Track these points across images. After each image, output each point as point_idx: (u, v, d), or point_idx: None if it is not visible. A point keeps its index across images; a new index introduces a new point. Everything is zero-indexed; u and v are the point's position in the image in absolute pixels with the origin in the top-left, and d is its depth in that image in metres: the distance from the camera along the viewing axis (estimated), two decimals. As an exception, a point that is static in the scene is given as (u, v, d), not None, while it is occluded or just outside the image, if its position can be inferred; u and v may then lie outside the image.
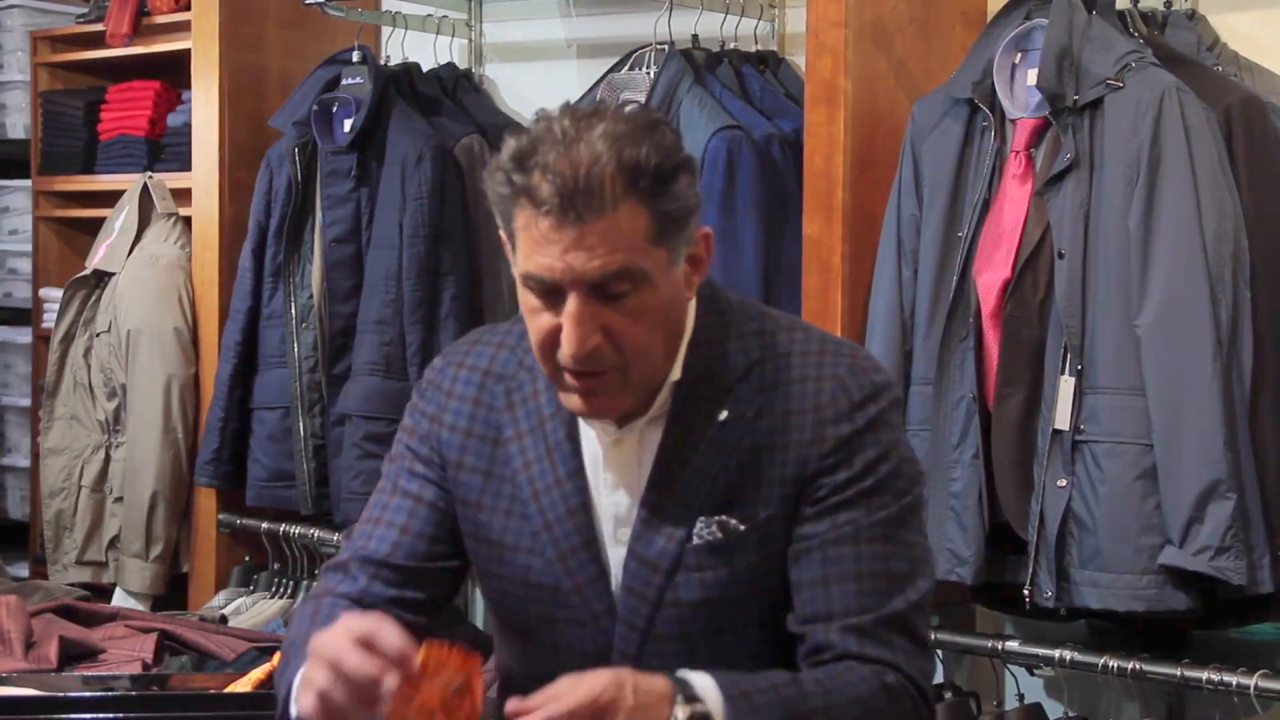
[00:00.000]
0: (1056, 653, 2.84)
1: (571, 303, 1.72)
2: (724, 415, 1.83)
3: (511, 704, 1.62)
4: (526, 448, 1.89)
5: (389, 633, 1.62)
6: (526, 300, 1.78)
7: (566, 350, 1.74)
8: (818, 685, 1.75)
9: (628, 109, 1.77)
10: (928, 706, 1.82)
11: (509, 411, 1.91)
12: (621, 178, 1.70)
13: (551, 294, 1.74)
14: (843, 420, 1.82)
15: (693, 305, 1.86)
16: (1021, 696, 3.04)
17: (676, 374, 1.84)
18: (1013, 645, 2.92)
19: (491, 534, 1.90)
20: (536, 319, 1.77)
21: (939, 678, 3.25)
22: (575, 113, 1.74)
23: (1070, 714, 2.96)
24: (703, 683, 1.70)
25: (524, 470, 1.89)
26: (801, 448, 1.81)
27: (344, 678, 1.60)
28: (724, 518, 1.82)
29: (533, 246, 1.72)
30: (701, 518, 1.82)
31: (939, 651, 3.18)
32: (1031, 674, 3.10)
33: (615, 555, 1.86)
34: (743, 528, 1.82)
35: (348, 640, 1.61)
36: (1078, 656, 2.82)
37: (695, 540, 1.82)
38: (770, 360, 1.85)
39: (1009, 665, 3.04)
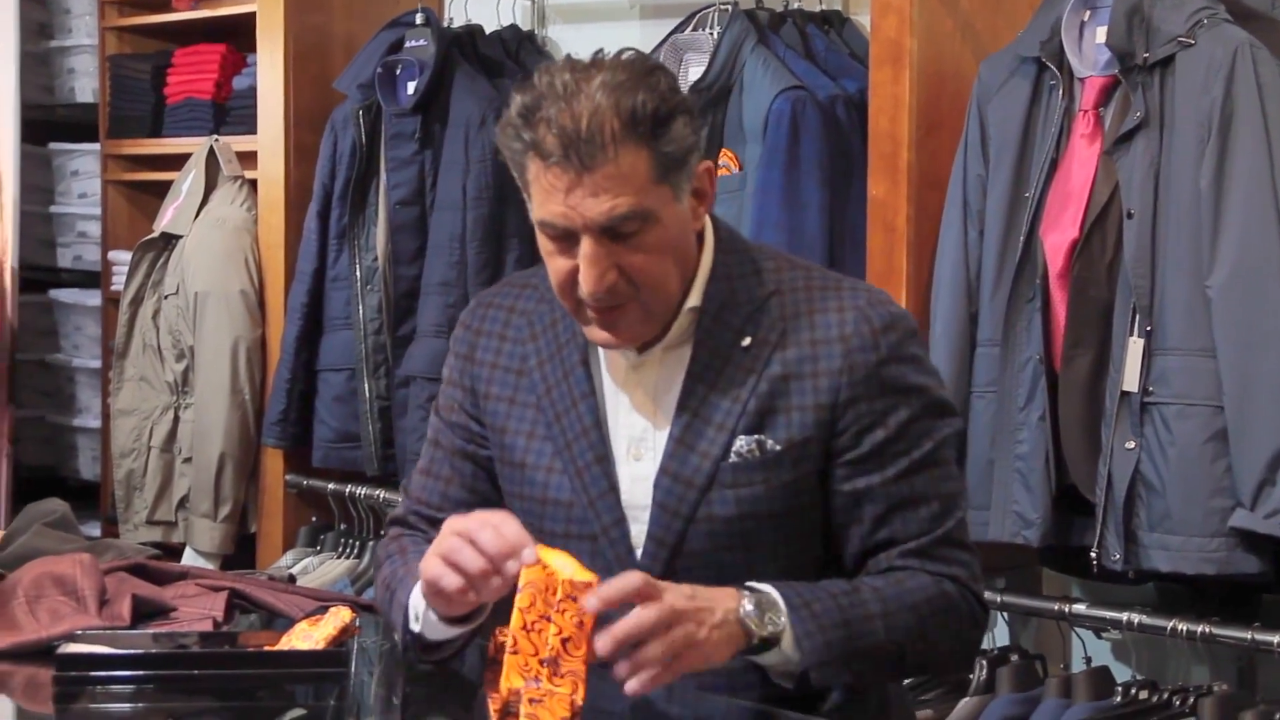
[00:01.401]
0: (1124, 616, 2.83)
1: (585, 245, 1.83)
2: (747, 341, 1.93)
3: (602, 642, 1.69)
4: (547, 374, 2.00)
5: (515, 524, 1.76)
6: (544, 245, 1.89)
7: (585, 289, 1.85)
8: (875, 593, 1.85)
9: (625, 56, 1.87)
10: (984, 610, 1.96)
11: (532, 342, 2.03)
12: (620, 125, 1.80)
13: (566, 238, 1.85)
14: (868, 349, 1.90)
15: (710, 242, 1.97)
16: (1088, 660, 3.02)
17: (695, 301, 1.94)
18: (1080, 608, 2.90)
19: (515, 456, 2.01)
20: (554, 262, 1.88)
21: (1004, 640, 3.24)
22: (575, 66, 1.85)
23: (1138, 678, 2.94)
24: (766, 588, 1.81)
25: (545, 395, 1.99)
26: (832, 375, 1.90)
27: (477, 548, 1.74)
28: (760, 437, 1.90)
29: (544, 195, 1.84)
30: (741, 437, 1.90)
31: (1004, 614, 3.17)
32: (1099, 637, 3.08)
33: (626, 472, 1.95)
34: (779, 448, 1.90)
35: (480, 520, 1.76)
36: (1146, 620, 2.80)
37: (732, 458, 1.90)
38: (787, 293, 1.95)
39: (1076, 628, 3.03)
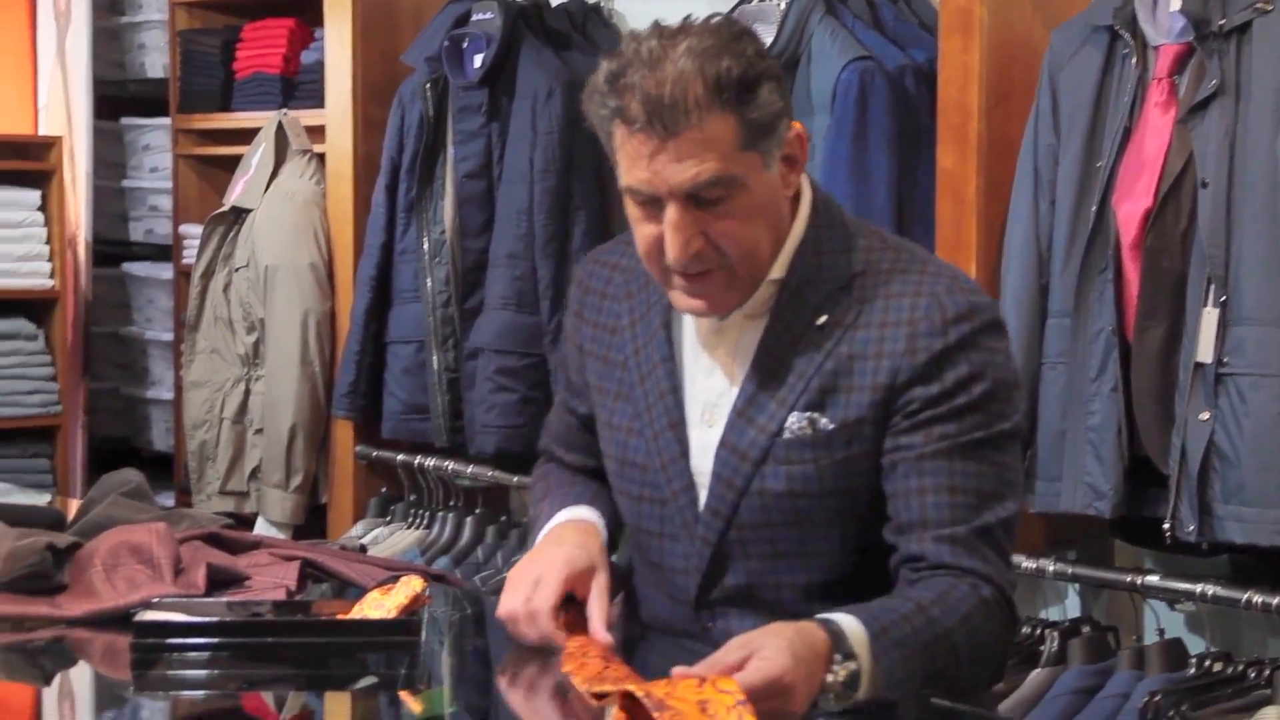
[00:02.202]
0: (1198, 587, 2.80)
1: (670, 211, 1.83)
2: (823, 320, 1.91)
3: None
4: (637, 335, 2.02)
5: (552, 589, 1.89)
6: (631, 211, 1.89)
7: (670, 256, 1.85)
8: (935, 607, 1.80)
9: (712, 21, 1.86)
10: (1014, 618, 1.89)
11: (626, 300, 2.05)
12: (705, 91, 1.79)
13: (652, 204, 1.85)
14: (935, 334, 1.87)
15: (805, 211, 1.94)
16: (1161, 631, 3.00)
17: (779, 273, 1.92)
18: (1153, 580, 2.88)
19: (605, 416, 2.04)
20: (641, 228, 1.88)
21: (1076, 611, 3.22)
22: (662, 31, 1.84)
23: (1212, 650, 2.91)
24: (850, 627, 1.73)
25: (633, 355, 2.01)
26: (894, 358, 1.87)
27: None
28: (814, 415, 1.89)
29: (630, 162, 1.84)
30: (794, 413, 1.89)
31: (1075, 585, 3.15)
32: (1172, 609, 3.05)
33: (698, 437, 1.96)
34: (832, 426, 1.88)
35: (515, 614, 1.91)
36: (1220, 591, 2.78)
37: (786, 434, 1.89)
38: (872, 275, 1.92)
39: (1149, 600, 3.01)
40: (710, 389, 1.95)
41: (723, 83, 1.79)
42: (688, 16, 1.88)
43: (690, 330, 1.98)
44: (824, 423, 1.88)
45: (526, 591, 1.90)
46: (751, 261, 1.88)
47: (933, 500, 1.85)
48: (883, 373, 1.87)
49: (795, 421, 1.89)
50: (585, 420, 2.12)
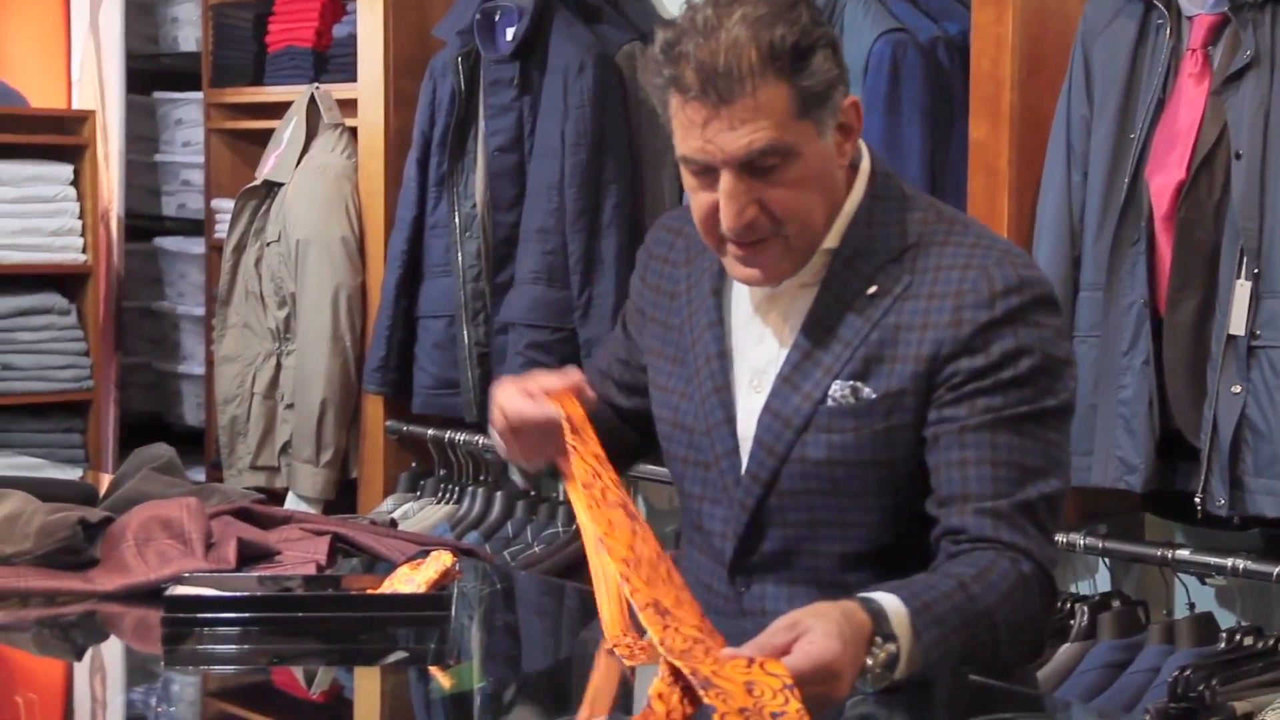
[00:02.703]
0: (1229, 561, 2.79)
1: (724, 180, 1.83)
2: (873, 290, 1.90)
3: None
4: (692, 299, 2.03)
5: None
6: (687, 180, 1.90)
7: (725, 224, 1.86)
8: (976, 584, 1.77)
9: None
10: (1054, 594, 1.89)
11: (685, 266, 2.06)
12: (759, 59, 1.79)
13: (706, 173, 1.85)
14: (981, 307, 1.85)
15: (862, 182, 1.94)
16: (1192, 605, 2.99)
17: (833, 242, 1.92)
18: (1183, 554, 2.87)
19: (659, 378, 2.06)
20: (697, 198, 1.88)
21: (1106, 586, 3.21)
22: (718, 1, 1.83)
23: (1242, 624, 2.90)
24: (892, 606, 1.70)
25: (687, 321, 2.02)
26: (940, 329, 1.86)
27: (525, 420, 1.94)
28: (857, 384, 1.89)
29: (685, 130, 1.84)
30: (838, 381, 1.89)
31: (1106, 559, 3.14)
32: (1203, 583, 3.04)
33: (745, 403, 1.96)
34: (874, 396, 1.88)
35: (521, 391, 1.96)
36: (1251, 566, 2.77)
37: (829, 402, 1.89)
38: (925, 246, 1.91)
39: (1179, 574, 3.00)
40: (760, 355, 1.96)
41: (776, 50, 1.80)
42: None
43: (743, 297, 1.99)
44: (866, 392, 1.88)
45: (516, 389, 1.98)
46: (806, 230, 1.88)
47: (974, 473, 1.83)
48: (927, 344, 1.86)
49: (838, 389, 1.89)
50: (624, 378, 2.16)
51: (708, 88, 1.79)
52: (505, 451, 2.03)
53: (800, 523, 1.91)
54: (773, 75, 1.80)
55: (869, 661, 1.66)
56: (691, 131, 1.83)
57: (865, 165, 1.96)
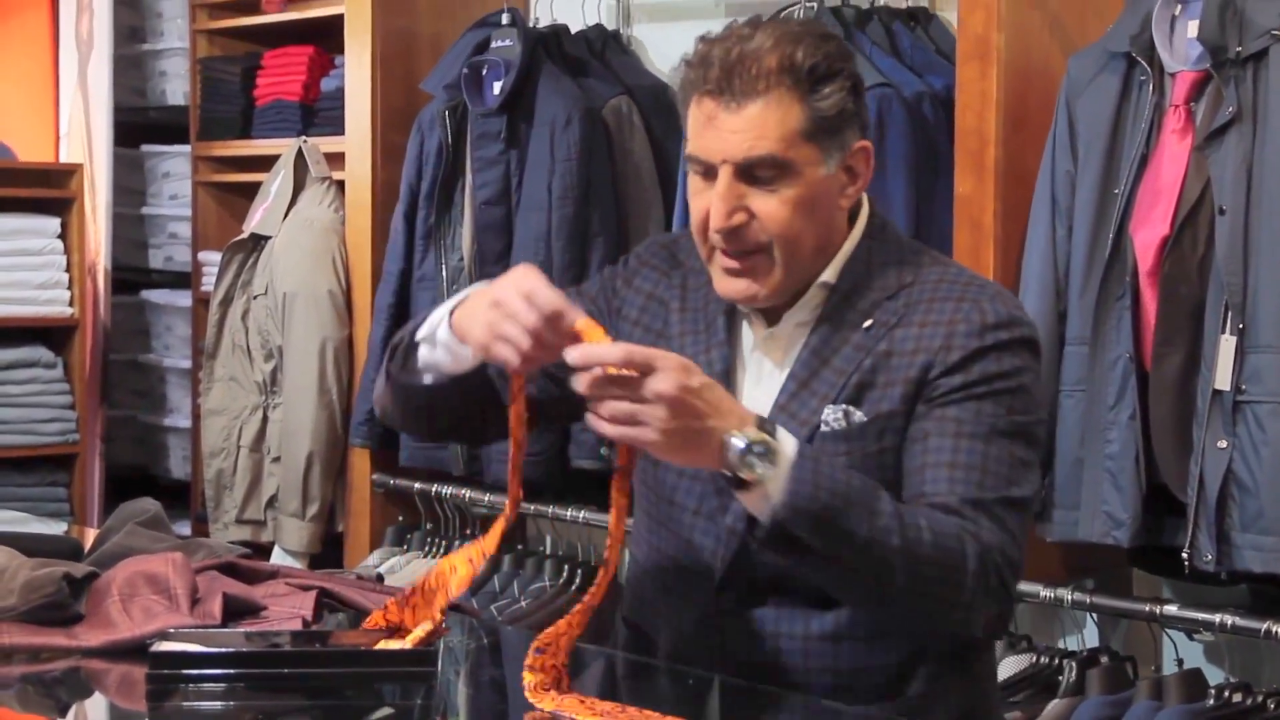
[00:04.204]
0: (1217, 617, 2.79)
1: (720, 180, 1.89)
2: (869, 324, 1.94)
3: (574, 354, 1.74)
4: (686, 320, 2.05)
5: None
6: (691, 184, 1.95)
7: (712, 224, 1.90)
8: (891, 503, 1.80)
9: (807, 18, 1.89)
10: (1002, 587, 1.83)
11: (680, 289, 2.08)
12: (777, 68, 1.86)
13: (709, 174, 1.90)
14: (972, 335, 1.91)
15: (862, 224, 2.00)
16: (1180, 662, 2.99)
17: (830, 277, 1.96)
18: (1171, 609, 2.87)
19: None
20: (697, 201, 1.93)
21: (1094, 641, 3.20)
22: (756, 19, 1.94)
23: (1231, 680, 2.90)
24: (783, 433, 1.78)
25: (679, 338, 2.04)
26: (929, 353, 1.91)
27: (536, 309, 1.79)
28: (849, 408, 1.92)
29: (697, 128, 1.91)
30: (829, 406, 1.92)
31: (1093, 615, 3.14)
32: (1191, 639, 3.04)
33: None
34: (865, 419, 1.91)
35: (525, 283, 1.81)
36: (1239, 621, 2.77)
37: (823, 427, 1.92)
38: (920, 285, 1.96)
39: (1167, 629, 2.99)
40: (758, 395, 1.98)
41: (795, 65, 1.86)
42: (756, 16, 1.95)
43: (746, 335, 2.02)
44: (858, 416, 1.91)
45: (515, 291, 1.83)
46: (791, 253, 1.91)
47: (930, 475, 1.87)
48: (916, 367, 1.91)
49: (831, 414, 1.92)
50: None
51: (723, 84, 1.86)
52: (507, 340, 1.83)
53: (795, 541, 1.90)
54: (787, 88, 1.86)
55: (735, 436, 1.73)
56: (702, 128, 1.89)
57: (865, 211, 2.01)
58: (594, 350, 1.73)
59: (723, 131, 1.87)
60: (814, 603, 1.93)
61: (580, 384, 1.73)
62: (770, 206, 1.88)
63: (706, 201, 1.90)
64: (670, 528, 2.04)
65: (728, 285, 1.95)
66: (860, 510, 1.78)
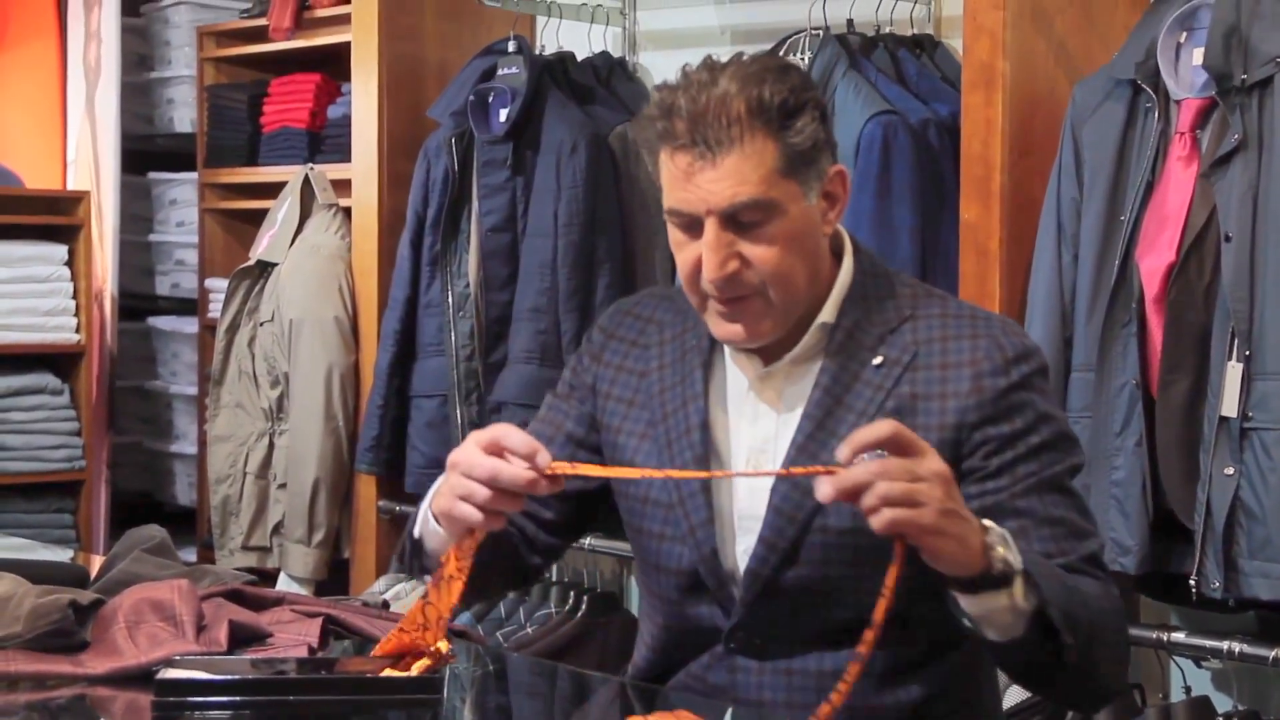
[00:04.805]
0: (1225, 644, 2.78)
1: (708, 231, 1.86)
2: (879, 360, 1.93)
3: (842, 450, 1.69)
4: (665, 376, 2.03)
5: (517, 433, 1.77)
6: (673, 236, 1.93)
7: (706, 275, 1.87)
8: (1067, 573, 1.82)
9: (761, 54, 1.93)
10: (1125, 626, 1.95)
11: (658, 347, 2.06)
12: (747, 113, 1.83)
13: (692, 226, 1.88)
14: (999, 374, 1.90)
15: (849, 258, 1.98)
16: (1188, 689, 2.98)
17: (829, 317, 1.95)
18: (1179, 637, 2.86)
19: (624, 455, 2.03)
20: (682, 253, 1.91)
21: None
22: (711, 62, 1.89)
23: (1239, 708, 2.89)
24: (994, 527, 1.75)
25: (659, 395, 2.02)
26: (960, 398, 1.89)
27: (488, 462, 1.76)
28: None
29: (673, 183, 1.88)
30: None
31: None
32: (1199, 666, 3.03)
33: (745, 481, 1.96)
34: None
35: (482, 442, 1.77)
36: (1247, 649, 2.76)
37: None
38: (923, 319, 1.95)
39: (1175, 657, 2.99)
40: (756, 434, 1.96)
41: (765, 105, 1.84)
42: (739, 54, 1.93)
43: (737, 376, 2.00)
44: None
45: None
46: (787, 291, 1.90)
47: (1035, 534, 1.86)
48: (950, 413, 1.89)
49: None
50: (581, 442, 2.08)
51: (696, 136, 1.83)
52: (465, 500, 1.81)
53: (814, 591, 1.91)
54: (760, 129, 1.84)
55: (988, 535, 1.70)
56: (678, 182, 1.87)
57: (848, 242, 2.00)
58: (867, 432, 1.68)
59: (702, 185, 1.85)
60: (827, 641, 1.92)
61: (851, 474, 1.66)
62: (760, 251, 1.87)
63: (693, 253, 1.89)
64: (659, 591, 2.02)
65: (725, 330, 1.93)
66: (1069, 591, 1.79)
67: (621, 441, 2.04)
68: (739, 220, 1.86)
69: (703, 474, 1.75)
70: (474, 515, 1.78)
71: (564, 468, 1.78)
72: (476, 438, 1.80)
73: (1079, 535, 1.88)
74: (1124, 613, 1.91)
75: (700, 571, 1.96)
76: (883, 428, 1.67)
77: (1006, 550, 1.72)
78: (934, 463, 1.67)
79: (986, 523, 1.72)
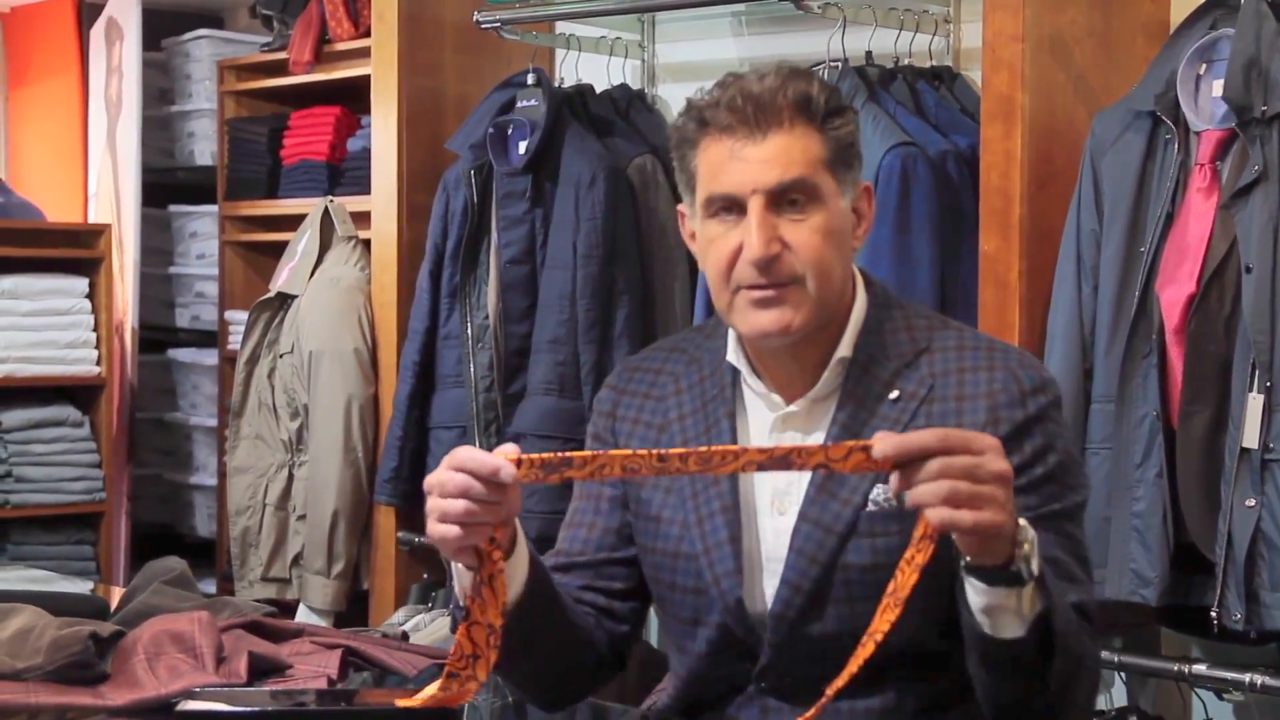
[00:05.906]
0: (1246, 677, 2.77)
1: (752, 211, 1.86)
2: (895, 394, 1.92)
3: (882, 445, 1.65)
4: (686, 427, 2.01)
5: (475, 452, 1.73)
6: (708, 231, 1.91)
7: (748, 255, 1.86)
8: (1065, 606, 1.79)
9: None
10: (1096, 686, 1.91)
11: (675, 398, 2.04)
12: (794, 104, 1.87)
13: (732, 209, 1.88)
14: (1015, 405, 1.89)
15: (863, 294, 1.98)
16: (1210, 722, 2.97)
17: (846, 351, 1.94)
18: (1200, 669, 2.85)
19: (651, 509, 2.01)
20: (717, 246, 1.90)
21: (1122, 700, 3.18)
22: (753, 67, 1.94)
23: (1261, 740, 2.88)
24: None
25: (681, 446, 1.97)
26: (977, 429, 1.84)
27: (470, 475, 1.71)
28: (891, 500, 1.87)
29: (715, 167, 1.88)
30: (879, 485, 1.88)
31: (1122, 674, 3.11)
32: (1220, 698, 3.02)
33: (770, 525, 1.94)
34: None
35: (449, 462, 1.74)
36: (1269, 681, 2.74)
37: (870, 506, 1.89)
38: (938, 351, 1.94)
39: (1196, 689, 2.97)
40: (779, 477, 1.94)
41: (811, 99, 1.87)
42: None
43: (760, 419, 1.98)
44: (908, 494, 1.86)
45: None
46: (824, 284, 1.89)
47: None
48: None
49: (879, 493, 1.88)
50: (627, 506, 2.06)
51: (746, 119, 1.86)
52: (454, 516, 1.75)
53: (840, 631, 1.88)
54: (806, 121, 1.87)
55: (1020, 531, 1.68)
56: (724, 166, 1.87)
57: (859, 276, 1.99)
58: (909, 439, 1.65)
59: (750, 162, 1.86)
60: (857, 680, 1.90)
61: (920, 473, 1.64)
62: (803, 236, 1.86)
63: (730, 242, 1.88)
64: (684, 643, 2.01)
65: (758, 319, 1.89)
66: (1069, 618, 1.77)
67: (646, 495, 2.02)
68: (784, 200, 1.86)
69: (717, 449, 1.68)
70: (453, 531, 1.72)
71: (534, 458, 1.72)
72: (444, 460, 1.76)
73: (1069, 578, 1.86)
74: (1098, 668, 1.89)
75: (728, 623, 1.94)
76: (927, 438, 1.64)
77: (1031, 550, 1.70)
78: (996, 462, 1.64)
79: (1022, 521, 1.70)
